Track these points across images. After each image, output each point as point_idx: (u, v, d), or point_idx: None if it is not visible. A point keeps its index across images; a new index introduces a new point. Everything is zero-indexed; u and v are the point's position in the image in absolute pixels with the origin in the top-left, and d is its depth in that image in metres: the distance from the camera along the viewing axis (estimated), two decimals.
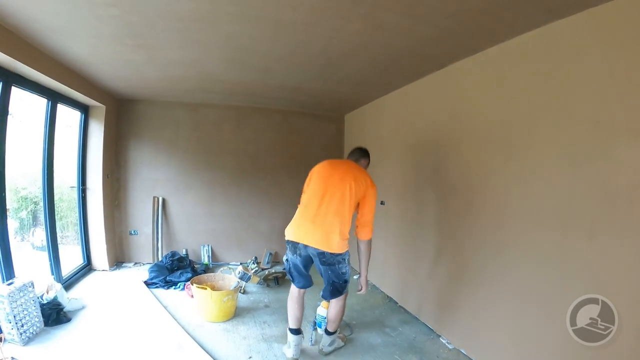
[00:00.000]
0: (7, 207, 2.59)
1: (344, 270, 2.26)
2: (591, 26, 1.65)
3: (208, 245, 4.56)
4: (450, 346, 2.54)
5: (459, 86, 2.58)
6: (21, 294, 2.32)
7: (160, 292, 3.48)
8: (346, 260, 2.27)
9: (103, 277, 3.77)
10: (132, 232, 4.36)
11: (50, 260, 3.21)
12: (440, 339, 2.65)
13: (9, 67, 2.42)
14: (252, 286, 3.73)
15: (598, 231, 1.61)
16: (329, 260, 2.20)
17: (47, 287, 2.78)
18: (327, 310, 2.46)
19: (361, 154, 2.56)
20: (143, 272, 3.94)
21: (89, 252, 3.94)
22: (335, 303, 2.37)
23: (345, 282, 2.30)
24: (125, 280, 3.70)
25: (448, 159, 2.70)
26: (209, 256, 4.52)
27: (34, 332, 2.39)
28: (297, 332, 2.34)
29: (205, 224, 4.59)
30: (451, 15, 1.83)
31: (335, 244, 2.16)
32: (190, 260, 4.19)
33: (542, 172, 1.90)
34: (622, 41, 1.52)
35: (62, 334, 2.47)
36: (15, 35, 2.23)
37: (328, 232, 2.16)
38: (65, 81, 2.92)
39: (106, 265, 3.97)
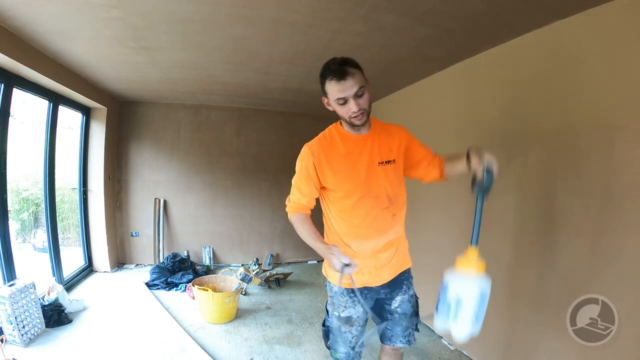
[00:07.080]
0: (9, 209, 2.60)
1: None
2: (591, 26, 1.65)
3: (209, 246, 4.56)
4: (451, 347, 2.54)
5: (459, 87, 2.58)
6: (22, 295, 2.33)
7: (162, 293, 3.48)
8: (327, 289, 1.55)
9: (104, 279, 3.77)
10: (134, 234, 4.36)
11: (51, 261, 3.21)
12: (442, 340, 2.65)
13: (10, 69, 2.44)
14: (253, 288, 3.72)
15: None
16: None
17: (49, 289, 2.78)
18: None
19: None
20: (144, 274, 3.94)
21: (90, 254, 3.95)
22: None
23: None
24: (127, 282, 3.71)
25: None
26: (210, 258, 4.52)
27: (35, 334, 2.39)
28: None
29: (206, 225, 4.58)
30: (451, 17, 1.83)
31: None
32: (191, 262, 4.21)
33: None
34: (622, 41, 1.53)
35: (63, 336, 2.47)
36: (17, 37, 2.24)
37: None
38: (66, 83, 2.93)
39: (107, 267, 3.97)
